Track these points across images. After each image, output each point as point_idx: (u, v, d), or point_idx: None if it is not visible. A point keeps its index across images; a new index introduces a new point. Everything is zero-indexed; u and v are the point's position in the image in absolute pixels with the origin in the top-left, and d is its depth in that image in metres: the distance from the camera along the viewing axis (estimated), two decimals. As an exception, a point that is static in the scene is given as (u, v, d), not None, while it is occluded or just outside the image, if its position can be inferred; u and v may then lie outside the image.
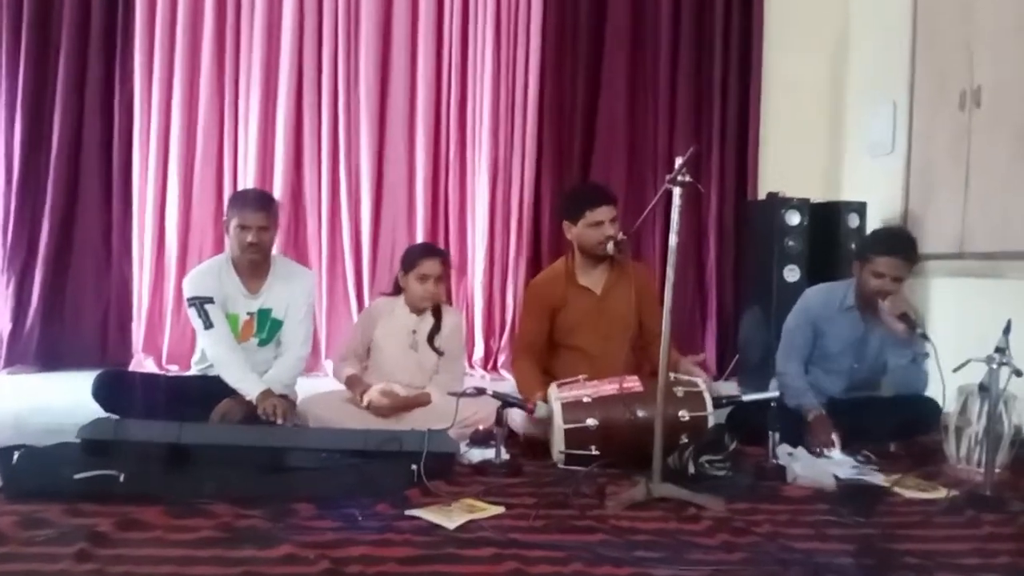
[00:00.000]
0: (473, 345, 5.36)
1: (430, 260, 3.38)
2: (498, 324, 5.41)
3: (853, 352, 3.36)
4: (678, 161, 2.44)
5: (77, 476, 2.34)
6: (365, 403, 3.23)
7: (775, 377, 3.47)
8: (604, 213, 3.26)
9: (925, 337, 3.08)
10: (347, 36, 5.26)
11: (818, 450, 2.99)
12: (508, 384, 4.68)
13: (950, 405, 3.02)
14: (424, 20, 5.29)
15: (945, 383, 2.93)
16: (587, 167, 5.45)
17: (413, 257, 3.43)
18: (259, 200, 3.32)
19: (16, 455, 2.43)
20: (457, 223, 5.41)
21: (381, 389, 3.24)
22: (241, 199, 3.38)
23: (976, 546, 2.16)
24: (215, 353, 3.25)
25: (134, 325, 5.19)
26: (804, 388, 3.28)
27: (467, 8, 5.33)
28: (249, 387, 3.15)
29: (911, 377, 3.28)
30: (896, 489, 2.67)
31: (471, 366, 5.26)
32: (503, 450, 2.85)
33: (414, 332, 3.43)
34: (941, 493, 2.64)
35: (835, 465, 2.84)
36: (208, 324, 3.21)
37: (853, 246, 4.70)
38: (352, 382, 3.36)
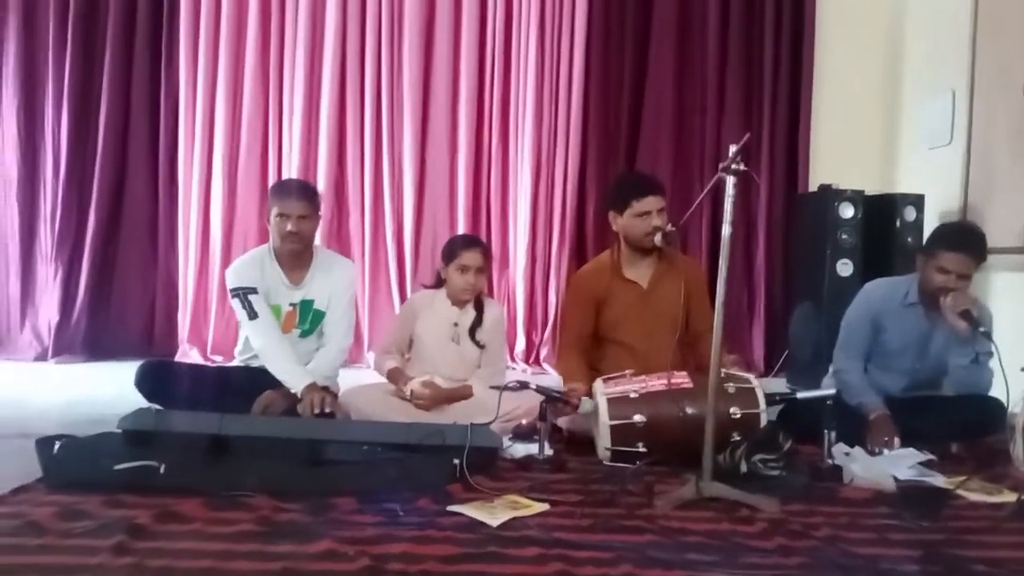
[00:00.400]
0: (515, 338, 5.30)
1: (470, 251, 3.32)
2: (540, 317, 5.34)
3: (915, 350, 3.22)
4: (732, 149, 2.34)
5: (117, 467, 2.32)
6: (407, 393, 3.18)
7: (831, 374, 3.35)
8: (651, 203, 3.18)
9: (988, 337, 2.95)
10: (391, 27, 5.23)
11: (876, 450, 2.87)
12: (550, 378, 4.62)
13: (1016, 405, 2.88)
14: (468, 10, 5.24)
15: (1009, 384, 2.81)
16: (633, 158, 5.35)
17: (454, 248, 3.37)
18: (300, 189, 3.29)
19: (57, 445, 2.42)
20: (499, 215, 5.35)
21: (423, 381, 3.20)
22: (282, 188, 3.35)
23: (1049, 555, 2.04)
24: (260, 344, 3.22)
25: (179, 315, 5.22)
26: (865, 386, 3.16)
27: (511, -1, 5.26)
28: (295, 380, 3.12)
29: (973, 378, 3.12)
30: (960, 492, 2.54)
31: (513, 359, 5.20)
32: (547, 445, 2.79)
33: (455, 325, 3.37)
34: (1008, 497, 2.51)
35: (898, 459, 2.72)
36: (253, 315, 3.18)
37: (910, 240, 4.57)
38: (394, 375, 3.31)
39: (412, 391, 3.18)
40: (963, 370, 3.13)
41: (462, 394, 3.24)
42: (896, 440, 2.93)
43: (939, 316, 3.10)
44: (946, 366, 3.19)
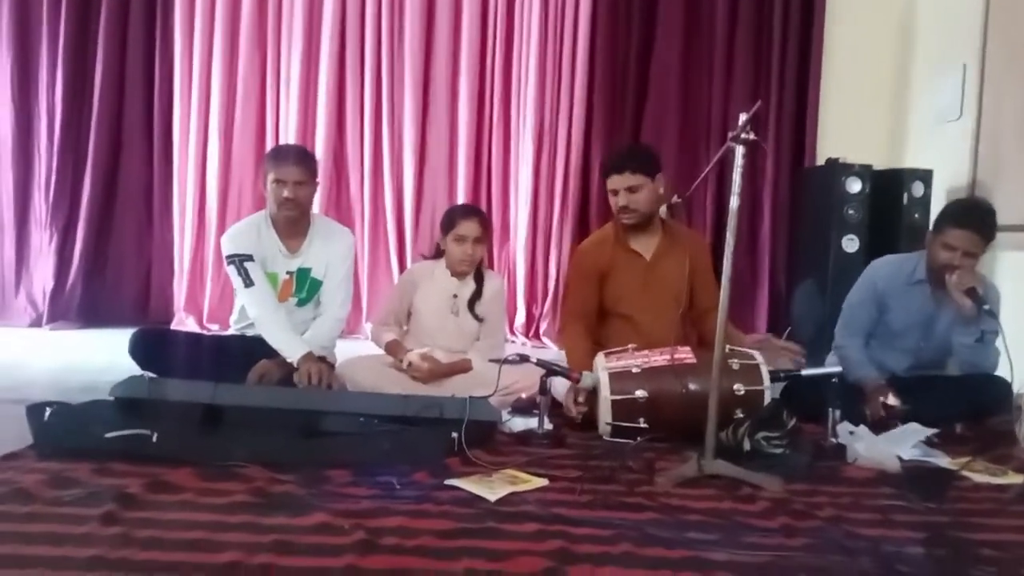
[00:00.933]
0: (515, 311, 5.26)
1: (468, 221, 3.27)
2: (541, 290, 5.29)
3: (920, 329, 3.17)
4: (741, 118, 2.27)
5: (109, 435, 2.28)
6: (405, 365, 3.13)
7: (833, 351, 3.30)
8: (616, 182, 3.15)
9: (992, 315, 2.90)
10: (392, -9, 5.13)
11: (878, 416, 2.83)
12: (550, 352, 4.58)
13: (1022, 386, 2.83)
14: (471, -24, 5.13)
15: (1013, 363, 2.78)
16: (638, 128, 5.26)
17: (451, 218, 3.32)
18: (296, 154, 3.22)
19: (48, 412, 2.38)
20: (500, 185, 5.28)
21: (421, 354, 3.15)
22: (278, 154, 3.27)
23: (1056, 538, 2.00)
24: (256, 312, 3.17)
25: (175, 283, 5.18)
26: (864, 361, 3.13)
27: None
28: (291, 349, 3.07)
29: (978, 357, 3.07)
30: (965, 473, 2.50)
31: (512, 332, 5.16)
32: (546, 420, 2.74)
33: (455, 297, 3.32)
34: (1013, 478, 2.47)
35: (903, 436, 2.68)
36: (248, 282, 3.13)
37: (917, 216, 4.51)
38: (392, 347, 3.27)
39: (410, 363, 3.13)
40: (968, 349, 3.07)
41: (461, 367, 3.20)
42: (895, 403, 2.90)
43: (945, 295, 3.05)
44: (951, 346, 3.13)
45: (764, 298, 5.26)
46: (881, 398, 2.93)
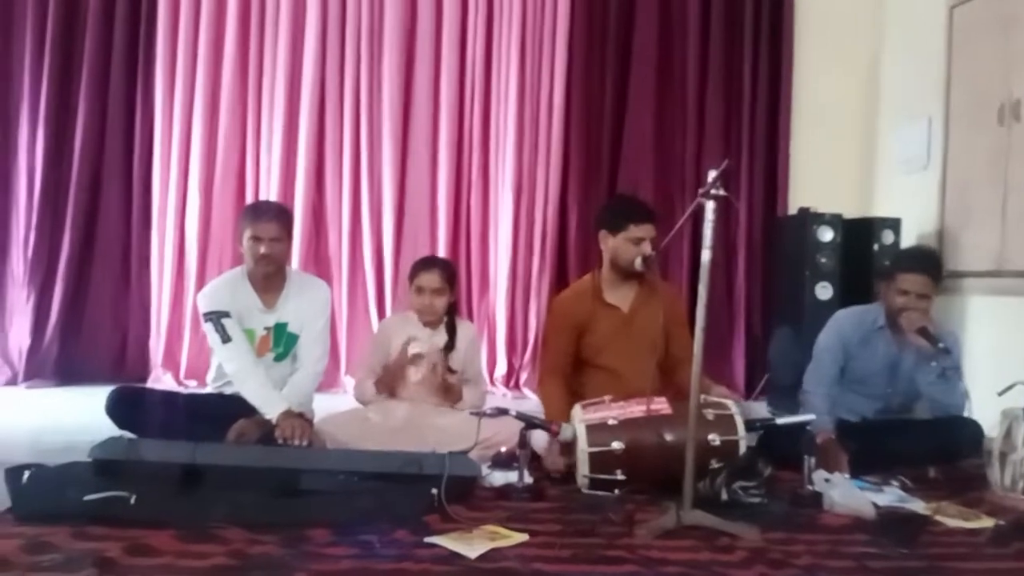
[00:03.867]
0: (495, 363, 5.27)
1: (426, 273, 3.32)
2: (520, 341, 5.31)
3: (886, 374, 3.28)
4: (711, 174, 2.34)
5: (87, 498, 2.27)
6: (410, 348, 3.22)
7: (800, 396, 3.37)
8: (646, 231, 3.21)
9: (946, 351, 3.04)
10: (370, 49, 5.22)
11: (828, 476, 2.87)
12: (530, 403, 4.58)
13: (993, 430, 2.89)
14: (448, 33, 5.24)
15: (970, 400, 2.94)
16: (614, 182, 5.35)
17: (413, 270, 3.40)
18: (271, 211, 3.26)
19: (26, 475, 2.36)
20: (479, 238, 5.33)
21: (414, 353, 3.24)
22: (253, 211, 3.31)
23: (1029, 582, 2.03)
24: (234, 369, 3.17)
25: (152, 340, 5.15)
26: (822, 409, 3.18)
27: (491, 20, 5.27)
28: (270, 405, 3.06)
29: (943, 395, 3.19)
30: (938, 517, 2.54)
31: (493, 384, 5.17)
32: (526, 473, 2.75)
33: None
34: (985, 522, 2.51)
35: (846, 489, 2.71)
36: (226, 338, 3.14)
37: (887, 263, 4.58)
38: (380, 384, 3.31)
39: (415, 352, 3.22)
40: (932, 387, 3.19)
41: (455, 390, 3.29)
42: (845, 462, 2.95)
43: (905, 339, 3.18)
44: (918, 390, 3.24)
45: (741, 346, 5.31)
46: (831, 461, 2.95)
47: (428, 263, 3.43)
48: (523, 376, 5.23)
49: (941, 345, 3.02)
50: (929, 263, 3.22)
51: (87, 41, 5.05)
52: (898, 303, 3.15)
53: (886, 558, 2.17)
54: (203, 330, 3.30)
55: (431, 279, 3.30)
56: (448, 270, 3.42)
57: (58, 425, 3.80)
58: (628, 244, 3.21)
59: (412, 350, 3.21)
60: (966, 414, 3.14)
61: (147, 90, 5.13)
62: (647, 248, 3.19)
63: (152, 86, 5.11)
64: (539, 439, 3.00)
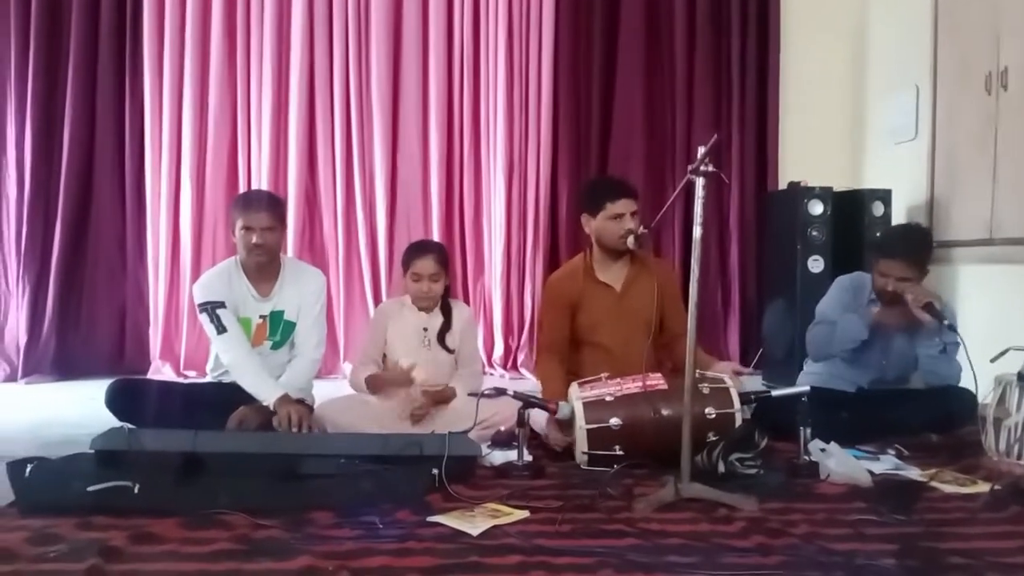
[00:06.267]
0: (493, 344, 5.30)
1: (421, 259, 3.31)
2: (517, 322, 5.34)
3: (880, 345, 3.30)
4: (700, 151, 2.35)
5: (90, 488, 2.28)
6: (404, 369, 3.19)
7: (808, 350, 3.41)
8: (624, 206, 3.19)
9: (952, 329, 3.04)
10: (358, 34, 5.22)
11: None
12: (528, 383, 4.62)
13: (986, 396, 2.92)
14: (435, 17, 5.24)
15: (976, 375, 2.90)
16: (604, 162, 5.37)
17: (407, 256, 3.38)
18: (262, 200, 3.27)
19: (29, 468, 2.37)
20: (472, 221, 5.35)
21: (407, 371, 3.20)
22: (244, 201, 3.31)
23: (1023, 544, 2.06)
24: (229, 359, 3.19)
25: (151, 331, 5.16)
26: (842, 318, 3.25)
27: (478, 1, 5.27)
28: (266, 392, 3.08)
29: (941, 368, 3.22)
30: (934, 484, 2.57)
31: (491, 365, 5.20)
32: (526, 451, 2.78)
33: (425, 330, 3.37)
34: (981, 487, 2.54)
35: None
36: (221, 329, 3.15)
37: (878, 234, 4.60)
38: (372, 382, 3.29)
39: (410, 375, 3.18)
40: (932, 360, 3.22)
41: (446, 396, 3.24)
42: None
43: (894, 313, 3.20)
44: (915, 361, 3.26)
45: (736, 321, 5.35)
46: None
47: (422, 249, 3.42)
48: (520, 356, 5.26)
49: (947, 323, 3.03)
50: (907, 246, 3.22)
51: (72, 32, 5.03)
52: (878, 284, 3.21)
53: (883, 525, 2.19)
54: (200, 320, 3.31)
55: (426, 265, 3.30)
56: (442, 254, 3.41)
57: (59, 419, 3.81)
58: (609, 222, 3.21)
59: (415, 375, 3.20)
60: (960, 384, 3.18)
61: (135, 80, 5.12)
62: (629, 223, 3.18)
63: (140, 75, 5.10)
64: (538, 418, 3.03)
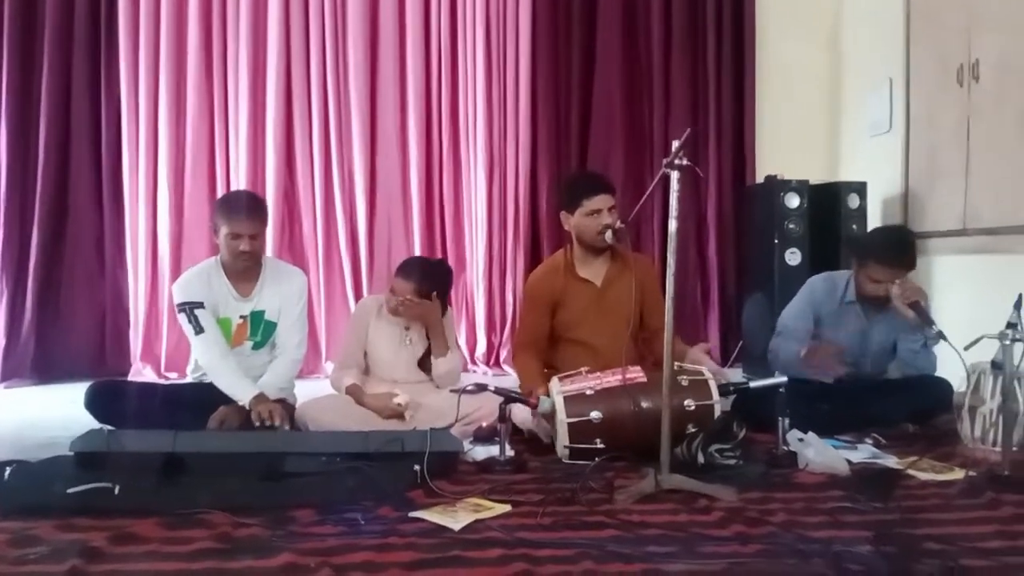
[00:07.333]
0: (475, 340, 5.31)
1: (404, 283, 3.27)
2: (499, 318, 5.35)
3: (856, 346, 3.34)
4: (674, 145, 2.37)
5: (70, 490, 2.27)
6: (404, 405, 3.19)
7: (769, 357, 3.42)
8: (601, 202, 3.20)
9: (941, 336, 2.93)
10: (335, 32, 5.20)
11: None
12: (510, 379, 4.62)
13: (961, 386, 2.96)
14: (412, 14, 5.24)
15: (963, 368, 2.88)
16: (584, 156, 5.39)
17: (397, 273, 3.35)
18: (249, 207, 3.20)
19: (8, 471, 2.37)
20: (453, 218, 5.35)
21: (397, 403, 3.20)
22: (231, 207, 3.22)
23: (998, 528, 2.09)
24: (206, 359, 3.18)
25: (131, 333, 5.13)
26: (792, 351, 3.25)
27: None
28: (241, 392, 3.08)
29: (920, 361, 3.28)
30: (911, 472, 2.61)
31: (473, 362, 5.21)
32: (507, 446, 2.79)
33: (407, 328, 3.37)
34: (957, 474, 2.57)
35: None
36: (199, 329, 3.14)
37: (855, 227, 4.66)
38: (353, 391, 3.29)
39: (399, 404, 3.19)
40: (913, 354, 3.27)
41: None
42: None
43: (878, 312, 3.24)
44: (891, 352, 3.31)
45: (715, 315, 5.38)
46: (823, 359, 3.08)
47: (407, 271, 3.34)
48: (503, 353, 5.27)
49: (937, 330, 2.96)
50: (903, 255, 3.19)
51: (47, 29, 4.98)
52: (869, 289, 3.20)
53: (861, 512, 2.22)
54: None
55: (404, 288, 3.28)
56: (425, 283, 3.29)
57: (39, 422, 3.78)
58: (587, 219, 3.22)
59: (397, 400, 3.20)
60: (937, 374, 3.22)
61: (111, 78, 5.08)
62: (607, 218, 3.18)
63: (116, 73, 5.06)
64: (519, 413, 3.04)
